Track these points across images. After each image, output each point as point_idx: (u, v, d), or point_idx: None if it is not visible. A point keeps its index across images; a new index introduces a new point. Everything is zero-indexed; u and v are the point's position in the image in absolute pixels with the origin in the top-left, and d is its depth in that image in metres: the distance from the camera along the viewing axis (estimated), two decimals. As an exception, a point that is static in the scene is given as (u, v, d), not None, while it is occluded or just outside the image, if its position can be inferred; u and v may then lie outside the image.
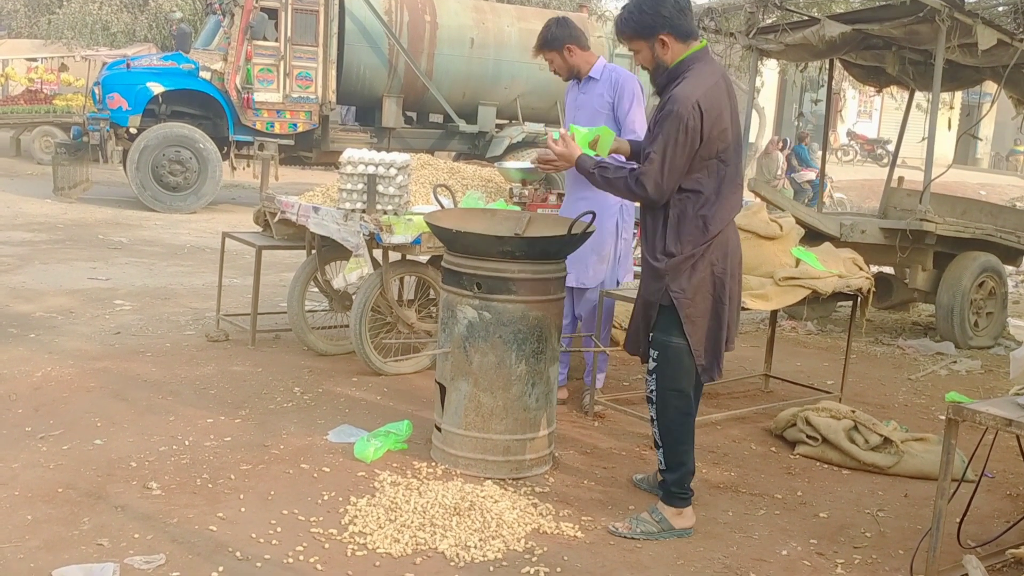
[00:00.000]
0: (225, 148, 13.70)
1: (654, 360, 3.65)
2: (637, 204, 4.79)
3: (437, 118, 15.32)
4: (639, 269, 4.08)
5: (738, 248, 3.76)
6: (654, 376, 3.66)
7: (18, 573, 3.07)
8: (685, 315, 3.57)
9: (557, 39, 4.99)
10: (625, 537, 3.61)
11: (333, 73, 13.66)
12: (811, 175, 18.56)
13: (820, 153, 14.23)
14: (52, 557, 3.18)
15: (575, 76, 5.03)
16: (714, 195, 3.55)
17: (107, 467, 3.96)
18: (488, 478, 4.05)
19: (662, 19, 3.51)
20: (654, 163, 3.47)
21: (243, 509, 3.65)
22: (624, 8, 3.64)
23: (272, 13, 13.21)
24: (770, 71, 21.90)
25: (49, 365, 5.35)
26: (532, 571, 3.31)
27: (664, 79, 3.59)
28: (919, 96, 9.49)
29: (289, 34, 13.31)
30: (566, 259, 4.26)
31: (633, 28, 3.58)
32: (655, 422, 3.68)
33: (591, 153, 3.80)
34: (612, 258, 5.00)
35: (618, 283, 5.02)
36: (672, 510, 3.68)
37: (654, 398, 3.67)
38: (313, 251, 5.91)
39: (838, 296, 5.36)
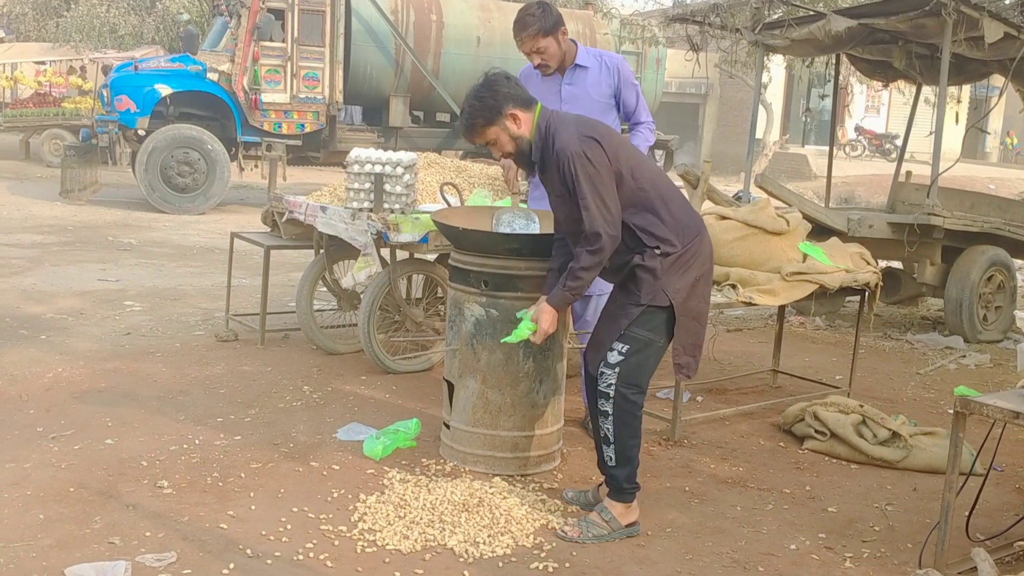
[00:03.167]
0: (233, 149, 13.74)
1: (620, 354, 3.55)
2: None
3: (444, 117, 15.33)
4: None
5: (712, 255, 3.73)
6: (617, 370, 3.55)
7: (31, 571, 3.10)
8: (681, 313, 3.55)
9: (555, 22, 4.46)
10: (575, 542, 3.52)
11: (340, 73, 13.70)
12: None
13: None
14: (64, 555, 3.20)
15: (557, 67, 4.59)
16: (662, 208, 3.55)
17: (118, 466, 3.99)
18: (497, 474, 4.06)
19: (504, 95, 3.54)
20: (590, 209, 3.43)
21: (253, 507, 3.67)
22: (464, 110, 3.63)
23: (279, 14, 13.25)
24: (776, 67, 21.90)
25: (60, 366, 5.39)
26: (541, 567, 3.32)
27: (538, 152, 3.59)
28: (927, 90, 9.47)
29: (296, 35, 13.35)
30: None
31: (483, 117, 3.55)
32: (609, 417, 3.58)
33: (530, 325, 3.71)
34: None
35: None
36: (621, 507, 3.61)
37: (612, 393, 3.56)
38: (321, 250, 5.93)
39: (846, 291, 5.36)
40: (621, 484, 3.62)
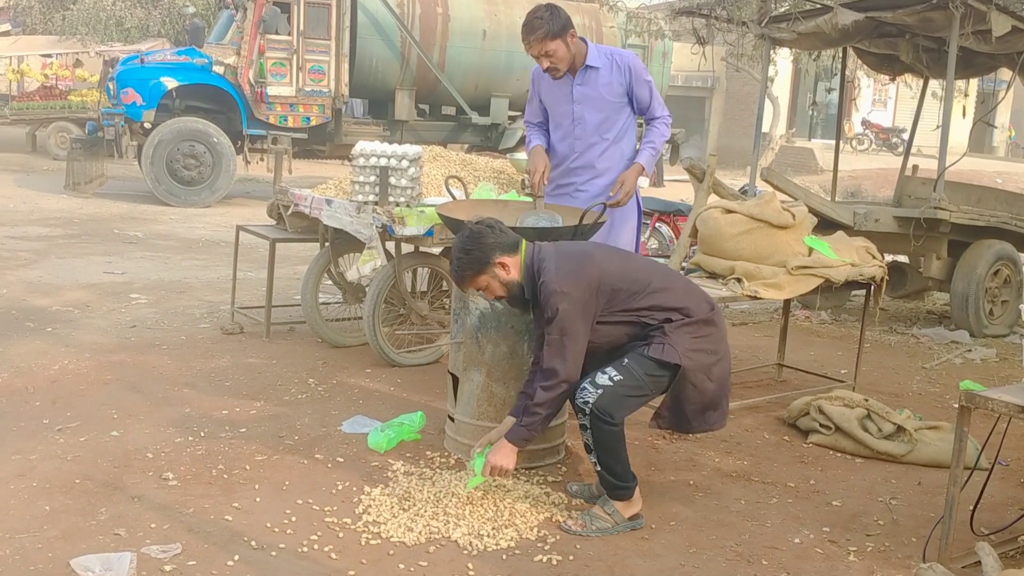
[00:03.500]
0: (239, 142, 13.77)
1: (611, 380, 3.51)
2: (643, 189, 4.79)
3: (450, 111, 15.33)
4: None
5: (726, 337, 3.76)
6: (599, 392, 3.49)
7: (37, 563, 3.11)
8: (685, 376, 3.55)
9: (564, 25, 4.45)
10: (579, 535, 3.53)
11: (346, 66, 13.70)
12: None
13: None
14: (70, 547, 3.22)
15: (568, 69, 4.59)
16: (666, 297, 3.61)
17: (123, 458, 4.00)
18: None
19: (490, 246, 3.58)
20: (552, 345, 3.52)
21: (258, 499, 3.68)
22: (452, 262, 3.66)
23: (284, 7, 13.26)
24: (784, 60, 21.85)
25: (66, 358, 5.40)
26: (545, 559, 3.32)
27: (530, 291, 3.63)
28: (934, 84, 9.44)
29: (301, 28, 13.35)
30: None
31: (471, 269, 3.60)
32: (587, 430, 3.56)
33: (480, 462, 3.62)
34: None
35: None
36: (621, 503, 3.62)
37: (587, 411, 3.51)
38: (326, 244, 5.94)
39: (851, 285, 5.35)
40: (612, 486, 3.62)
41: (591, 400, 3.50)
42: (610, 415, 3.49)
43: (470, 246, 3.59)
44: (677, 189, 18.86)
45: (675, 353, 3.54)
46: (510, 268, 3.62)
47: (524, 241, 3.69)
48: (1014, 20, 6.65)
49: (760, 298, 4.93)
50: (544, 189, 4.58)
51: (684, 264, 5.61)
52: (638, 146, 4.80)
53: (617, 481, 3.60)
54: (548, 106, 4.78)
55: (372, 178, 5.27)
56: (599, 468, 3.62)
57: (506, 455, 3.60)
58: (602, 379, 3.53)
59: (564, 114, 4.71)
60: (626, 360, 3.57)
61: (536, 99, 4.83)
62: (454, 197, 4.79)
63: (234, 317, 6.40)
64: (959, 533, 3.37)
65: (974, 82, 10.57)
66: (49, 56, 22.04)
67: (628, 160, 4.75)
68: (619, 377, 3.53)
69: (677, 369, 3.56)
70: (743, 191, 7.87)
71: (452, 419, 4.29)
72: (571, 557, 3.36)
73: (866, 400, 4.78)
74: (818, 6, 7.77)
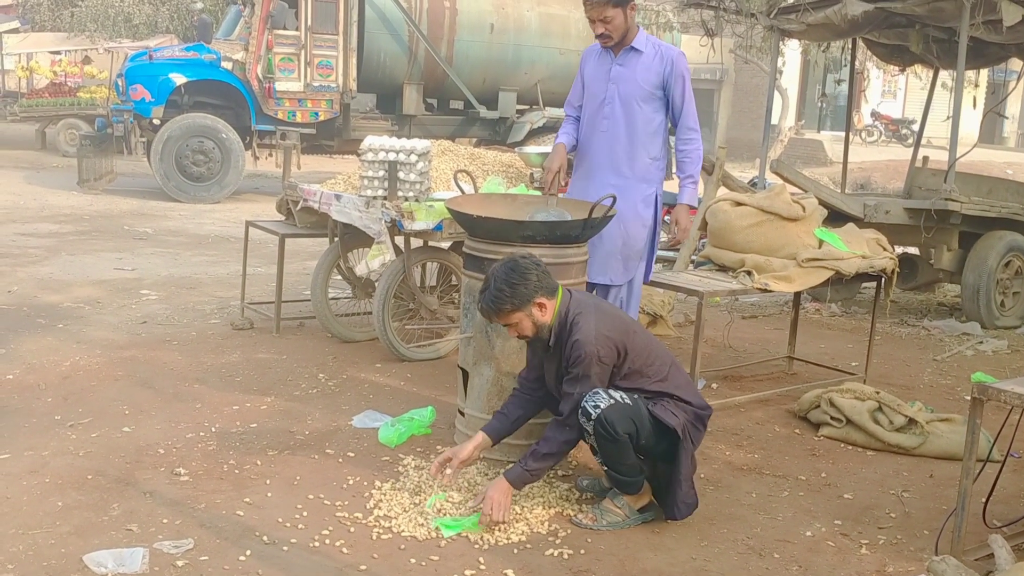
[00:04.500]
0: (247, 138, 13.78)
1: (623, 400, 3.50)
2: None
3: (458, 105, 15.32)
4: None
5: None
6: (611, 402, 3.45)
7: (49, 558, 3.12)
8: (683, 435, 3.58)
9: None
10: (590, 529, 3.53)
11: (354, 61, 13.70)
12: None
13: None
14: (83, 542, 3.23)
15: (614, 44, 4.53)
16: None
17: (135, 454, 4.01)
18: (511, 461, 4.04)
19: (535, 285, 3.55)
20: (573, 399, 3.52)
21: (269, 494, 3.68)
22: (490, 290, 3.56)
23: (292, 2, 13.25)
24: (792, 51, 21.77)
25: (77, 354, 5.42)
26: (556, 553, 3.32)
27: (554, 338, 3.62)
28: (944, 75, 9.40)
29: (309, 23, 13.34)
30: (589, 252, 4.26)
31: (512, 303, 3.54)
32: (591, 436, 3.53)
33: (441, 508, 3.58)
34: (645, 254, 4.70)
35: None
36: (630, 496, 3.62)
37: (594, 415, 3.44)
38: (336, 239, 5.94)
39: (862, 277, 5.33)
40: (620, 483, 3.61)
41: (602, 406, 3.45)
42: (613, 427, 3.44)
43: (516, 280, 3.54)
44: (686, 182, 18.80)
45: (674, 417, 3.55)
46: (547, 311, 3.60)
47: (561, 288, 3.68)
48: (1025, 9, 6.61)
49: (770, 291, 4.92)
50: (556, 188, 4.53)
51: (694, 257, 5.60)
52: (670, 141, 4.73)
53: (624, 478, 3.59)
54: (587, 86, 4.73)
55: (381, 173, 5.27)
56: (605, 468, 3.62)
57: (503, 495, 3.52)
58: (616, 394, 3.51)
59: (598, 94, 4.64)
60: (636, 396, 3.57)
61: (580, 81, 4.78)
62: (463, 191, 4.79)
63: (244, 313, 6.41)
64: (972, 525, 3.36)
65: (984, 72, 10.46)
66: (58, 53, 22.08)
67: (658, 160, 4.68)
68: (629, 403, 3.52)
69: (673, 434, 3.55)
70: (752, 183, 7.86)
71: (462, 413, 4.29)
72: (582, 551, 3.36)
73: (877, 393, 4.76)
74: (827, -3, 7.73)
